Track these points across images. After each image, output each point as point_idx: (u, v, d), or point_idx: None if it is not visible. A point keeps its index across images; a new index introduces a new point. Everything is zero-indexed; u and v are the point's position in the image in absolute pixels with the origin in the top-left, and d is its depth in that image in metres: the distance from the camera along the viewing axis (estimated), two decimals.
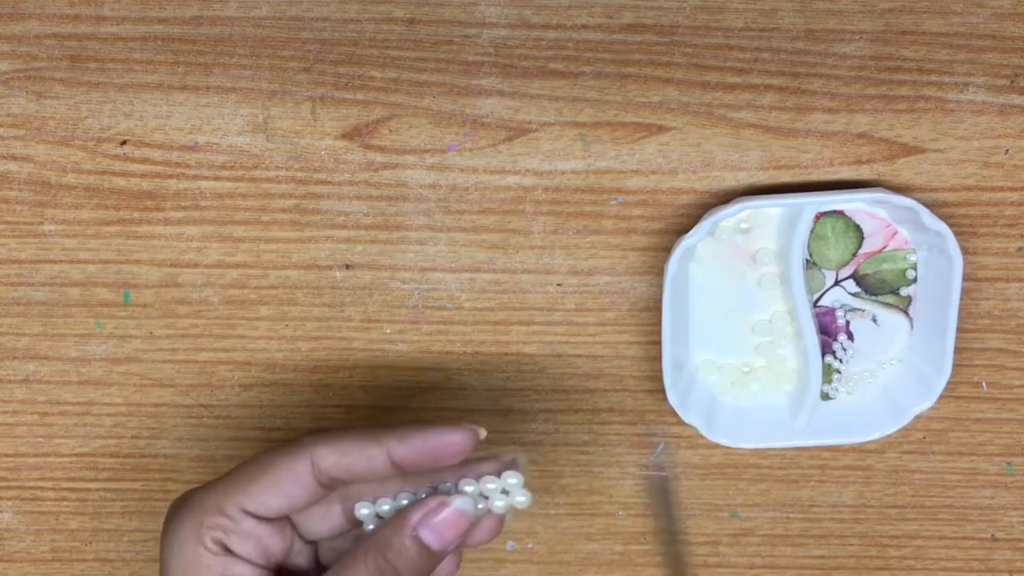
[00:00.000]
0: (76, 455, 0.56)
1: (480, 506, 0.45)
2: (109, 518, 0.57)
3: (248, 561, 0.44)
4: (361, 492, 0.47)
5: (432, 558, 0.44)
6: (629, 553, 0.58)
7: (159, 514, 0.56)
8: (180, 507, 0.45)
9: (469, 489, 0.45)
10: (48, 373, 0.55)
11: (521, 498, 0.45)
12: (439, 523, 0.44)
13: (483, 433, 0.45)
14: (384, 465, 0.44)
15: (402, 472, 0.45)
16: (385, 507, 0.46)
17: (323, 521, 0.47)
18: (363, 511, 0.46)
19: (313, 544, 0.48)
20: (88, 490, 0.57)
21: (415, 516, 0.44)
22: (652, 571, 0.58)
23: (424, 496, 0.45)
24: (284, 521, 0.45)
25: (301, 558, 0.47)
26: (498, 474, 0.45)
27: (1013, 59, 0.50)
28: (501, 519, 0.46)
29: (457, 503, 0.44)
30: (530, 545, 0.58)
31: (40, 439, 0.56)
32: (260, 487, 0.44)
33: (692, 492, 0.57)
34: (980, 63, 0.50)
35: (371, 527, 0.45)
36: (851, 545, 0.58)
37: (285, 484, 0.44)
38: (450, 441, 0.44)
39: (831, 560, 0.58)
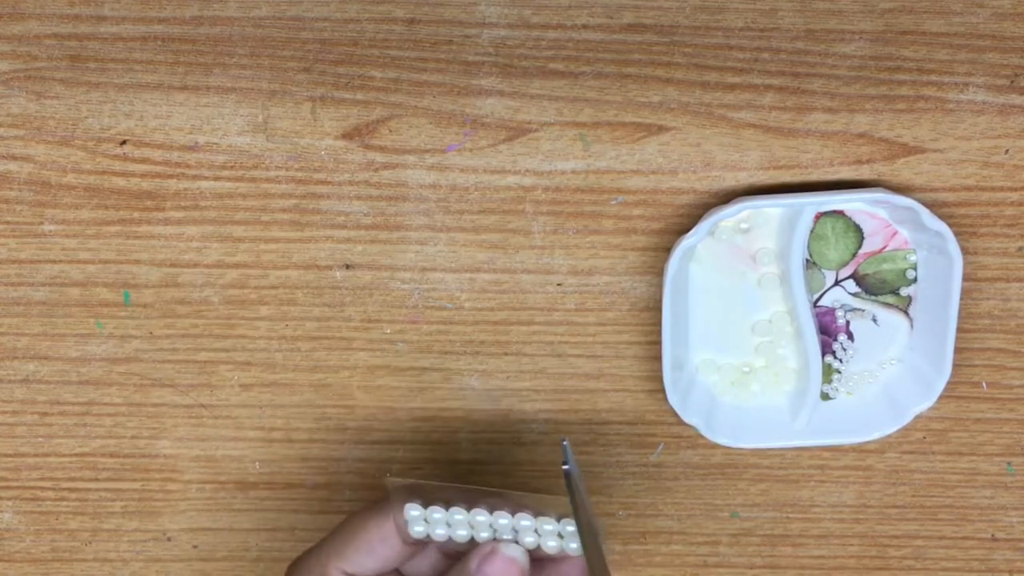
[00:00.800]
0: (76, 455, 0.56)
1: (528, 538, 0.46)
2: (109, 518, 0.57)
3: None
4: None
5: None
6: (629, 553, 0.58)
7: (159, 514, 0.57)
8: (293, 571, 0.47)
9: (526, 524, 0.46)
10: (48, 373, 0.55)
11: (574, 545, 0.46)
12: (495, 566, 0.45)
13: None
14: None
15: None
16: (436, 515, 0.46)
17: (423, 561, 0.49)
18: (413, 512, 0.46)
19: None
20: (88, 490, 0.57)
21: (473, 563, 0.45)
22: (652, 571, 0.58)
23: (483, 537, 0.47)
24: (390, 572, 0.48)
25: None
26: (558, 518, 0.46)
27: (1013, 59, 0.50)
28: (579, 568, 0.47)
29: (508, 551, 0.46)
30: None
31: (40, 439, 0.56)
32: (355, 550, 0.46)
33: (692, 492, 0.57)
34: (980, 63, 0.50)
35: (418, 528, 0.46)
36: (851, 545, 0.58)
37: (376, 547, 0.46)
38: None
39: (831, 560, 0.58)
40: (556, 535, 0.46)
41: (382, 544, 0.46)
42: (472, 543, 0.46)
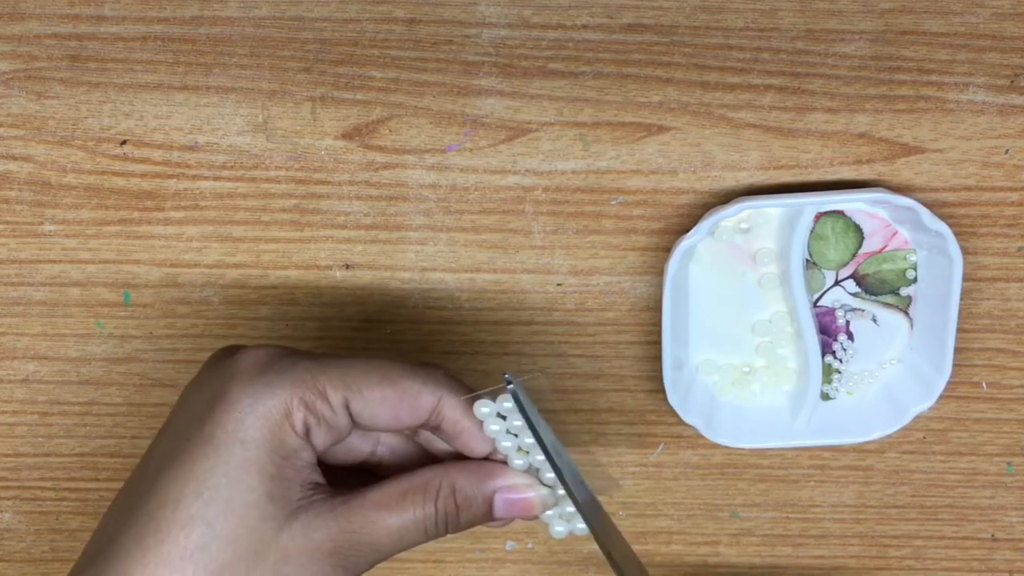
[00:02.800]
0: (76, 455, 0.56)
1: (549, 512, 0.45)
2: None
3: (314, 449, 0.41)
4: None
5: (488, 519, 0.44)
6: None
7: None
8: (276, 368, 0.41)
9: (549, 494, 0.44)
10: (48, 373, 0.55)
11: (581, 526, 0.45)
12: (518, 501, 0.43)
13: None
14: (483, 452, 0.44)
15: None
16: (507, 404, 0.43)
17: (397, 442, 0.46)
18: (484, 409, 0.43)
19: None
20: (88, 490, 0.57)
21: (500, 482, 0.43)
22: (652, 571, 0.58)
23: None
24: (375, 434, 0.44)
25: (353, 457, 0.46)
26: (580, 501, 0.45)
27: (1013, 59, 0.50)
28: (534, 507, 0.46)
29: (541, 493, 0.44)
30: (530, 545, 0.58)
31: (40, 439, 0.56)
32: (377, 398, 0.41)
33: (692, 492, 0.57)
34: (980, 63, 0.50)
35: (494, 427, 0.43)
36: (851, 545, 0.58)
37: (402, 409, 0.42)
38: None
39: (831, 560, 0.58)
40: (565, 520, 0.45)
41: (409, 411, 0.42)
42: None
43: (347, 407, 0.41)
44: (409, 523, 0.42)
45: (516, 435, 0.44)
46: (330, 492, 0.42)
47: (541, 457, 0.44)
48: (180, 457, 0.40)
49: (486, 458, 0.45)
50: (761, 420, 0.54)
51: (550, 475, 0.44)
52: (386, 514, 0.42)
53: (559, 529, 0.45)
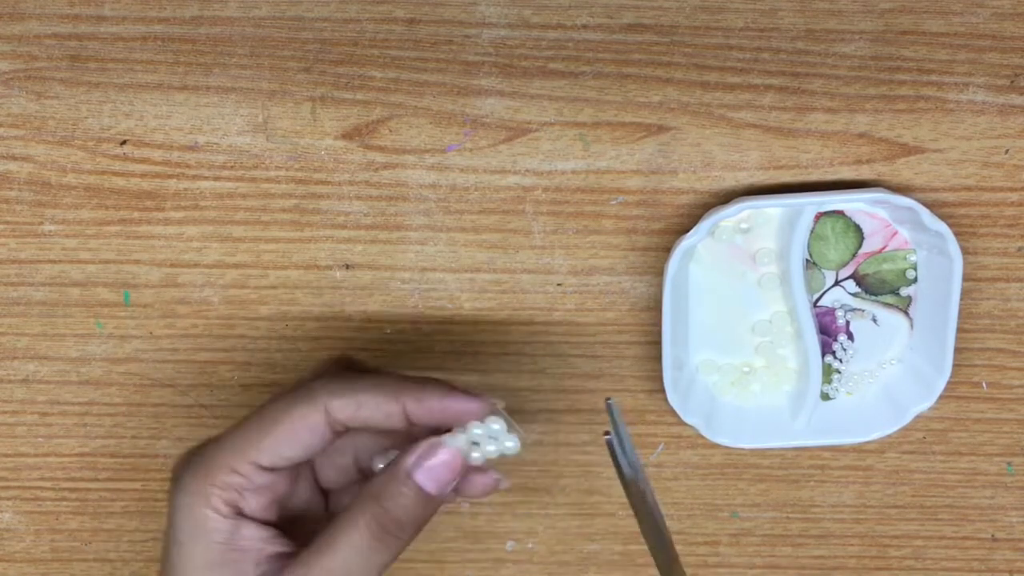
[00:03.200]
0: (76, 455, 0.56)
1: (475, 455, 0.44)
2: (109, 518, 0.57)
3: (258, 520, 0.43)
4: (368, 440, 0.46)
5: (430, 503, 0.43)
6: (629, 553, 0.58)
7: (159, 514, 0.56)
8: (187, 467, 0.43)
9: (461, 435, 0.44)
10: (48, 373, 0.55)
11: (509, 443, 0.45)
12: (434, 465, 0.43)
13: (501, 405, 0.45)
14: (399, 421, 0.44)
15: (412, 425, 0.44)
16: (477, 431, 0.44)
17: (336, 470, 0.47)
18: (380, 465, 0.45)
19: (325, 495, 0.47)
20: (88, 490, 0.57)
21: (409, 460, 0.43)
22: (652, 571, 0.58)
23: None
24: (296, 468, 0.45)
25: (315, 508, 0.46)
26: (481, 419, 0.45)
27: (1013, 59, 0.50)
28: (495, 479, 0.46)
29: (449, 443, 0.44)
30: (530, 545, 0.58)
31: (40, 439, 0.56)
32: (274, 439, 0.43)
33: (692, 492, 0.57)
34: (980, 63, 0.50)
35: (476, 455, 0.44)
36: (851, 545, 0.58)
37: (300, 434, 0.43)
38: (467, 409, 0.44)
39: (831, 560, 0.58)
40: (489, 438, 0.45)
41: (307, 432, 0.43)
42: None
43: (258, 466, 0.43)
44: (347, 557, 0.42)
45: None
46: (289, 554, 0.43)
47: (479, 431, 0.44)
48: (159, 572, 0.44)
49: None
50: (761, 420, 0.54)
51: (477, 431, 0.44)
52: (321, 559, 0.42)
53: (490, 448, 0.44)
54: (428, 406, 0.44)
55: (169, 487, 0.44)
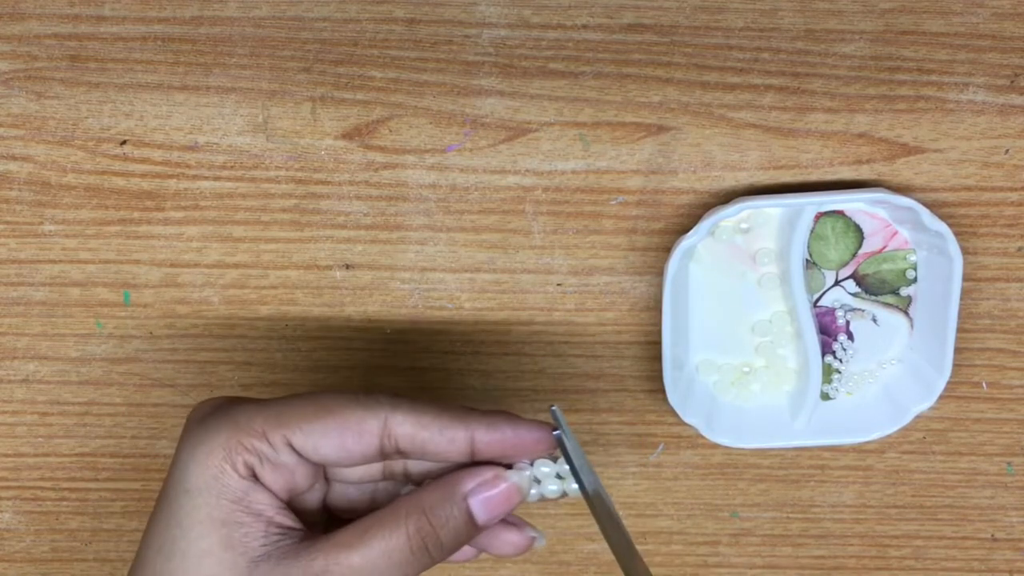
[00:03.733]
0: (76, 455, 0.56)
1: (534, 492, 0.43)
2: (109, 518, 0.57)
3: (271, 492, 0.41)
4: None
5: (473, 531, 0.42)
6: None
7: None
8: (216, 415, 0.41)
9: (526, 470, 0.43)
10: (48, 373, 0.55)
11: (574, 486, 0.43)
12: (492, 496, 0.41)
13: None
14: (462, 450, 0.41)
15: (468, 457, 0.42)
16: (544, 468, 0.42)
17: (348, 498, 0.45)
18: (524, 474, 0.42)
19: (326, 511, 0.45)
20: (88, 490, 0.57)
21: (467, 484, 0.41)
22: (652, 571, 0.58)
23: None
24: (317, 470, 0.43)
25: (313, 499, 0.44)
26: (553, 459, 0.43)
27: (1013, 59, 0.50)
28: (531, 537, 0.44)
29: (513, 478, 0.42)
30: None
31: (40, 439, 0.56)
32: (318, 430, 0.40)
33: (692, 492, 0.57)
34: (980, 63, 0.50)
35: (535, 492, 0.42)
36: (851, 545, 0.58)
37: (347, 437, 0.41)
38: (535, 439, 0.42)
39: (831, 560, 0.58)
40: (555, 476, 0.43)
41: (355, 438, 0.40)
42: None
43: (289, 444, 0.41)
44: (376, 558, 0.40)
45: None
46: (300, 536, 0.41)
47: (547, 469, 0.43)
48: (150, 518, 0.41)
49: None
50: (761, 420, 0.54)
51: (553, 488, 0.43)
52: (348, 553, 0.40)
53: (552, 488, 0.43)
54: (500, 434, 0.41)
55: (184, 431, 0.41)
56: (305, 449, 0.41)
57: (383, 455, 0.42)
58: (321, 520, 0.45)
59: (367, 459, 0.42)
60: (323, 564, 0.40)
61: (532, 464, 0.43)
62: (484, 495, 0.41)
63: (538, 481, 0.43)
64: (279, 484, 0.41)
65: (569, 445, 0.42)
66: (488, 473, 0.42)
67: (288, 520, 0.41)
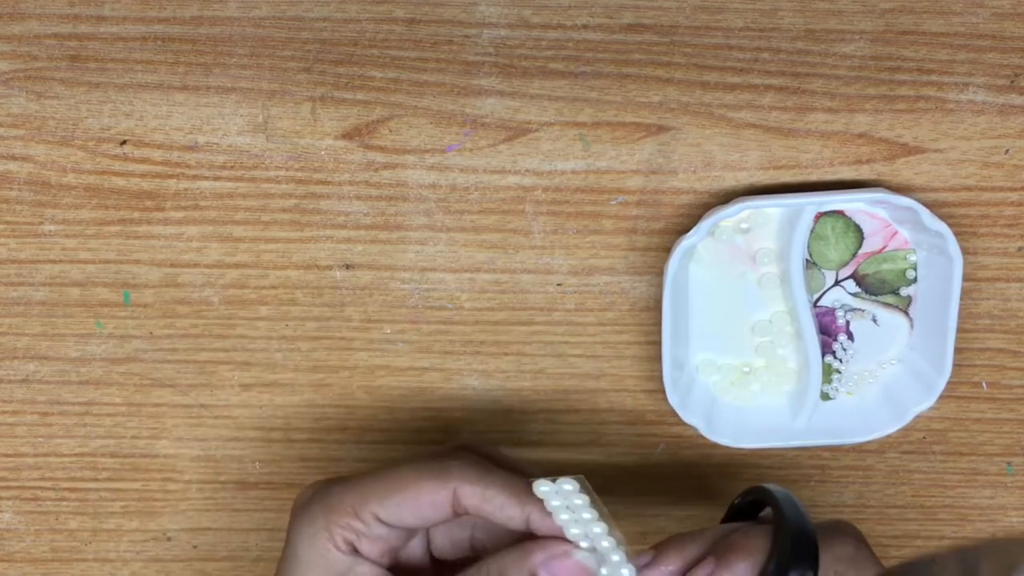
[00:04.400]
0: (76, 455, 0.56)
1: (604, 572, 0.44)
2: (109, 518, 0.57)
3: (371, 561, 0.45)
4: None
5: None
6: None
7: (159, 514, 0.57)
8: (315, 500, 0.46)
9: (591, 552, 0.44)
10: (48, 373, 0.55)
11: (625, 571, 0.44)
12: (561, 569, 0.44)
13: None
14: (518, 526, 0.45)
15: (525, 531, 0.45)
16: (567, 487, 0.44)
17: (452, 542, 0.48)
18: (543, 488, 0.44)
19: (435, 562, 0.49)
20: (88, 490, 0.57)
21: (539, 557, 0.44)
22: None
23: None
24: (412, 530, 0.47)
25: (416, 548, 0.48)
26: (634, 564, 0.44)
27: (1013, 59, 0.50)
28: None
29: (581, 556, 0.44)
30: None
31: (40, 439, 0.56)
32: (397, 501, 0.45)
33: (692, 492, 0.57)
34: (980, 63, 0.50)
35: (555, 503, 0.44)
36: None
37: (423, 507, 0.45)
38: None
39: None
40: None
41: (430, 507, 0.45)
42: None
43: (377, 518, 0.45)
44: None
45: (573, 511, 0.44)
46: None
47: (598, 529, 0.44)
48: None
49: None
50: (761, 420, 0.54)
51: (605, 544, 0.44)
52: None
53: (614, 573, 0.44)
54: (551, 525, 0.44)
55: (291, 514, 0.46)
56: (391, 520, 0.45)
57: (457, 515, 0.46)
58: (429, 563, 0.49)
59: (444, 520, 0.46)
60: None
61: (596, 546, 0.44)
62: (553, 568, 0.44)
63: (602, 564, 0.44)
64: (376, 552, 0.45)
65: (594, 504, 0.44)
66: (558, 548, 0.44)
67: None
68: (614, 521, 0.44)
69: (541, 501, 0.44)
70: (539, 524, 0.44)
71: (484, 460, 0.46)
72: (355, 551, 0.45)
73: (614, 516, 0.44)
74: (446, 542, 0.48)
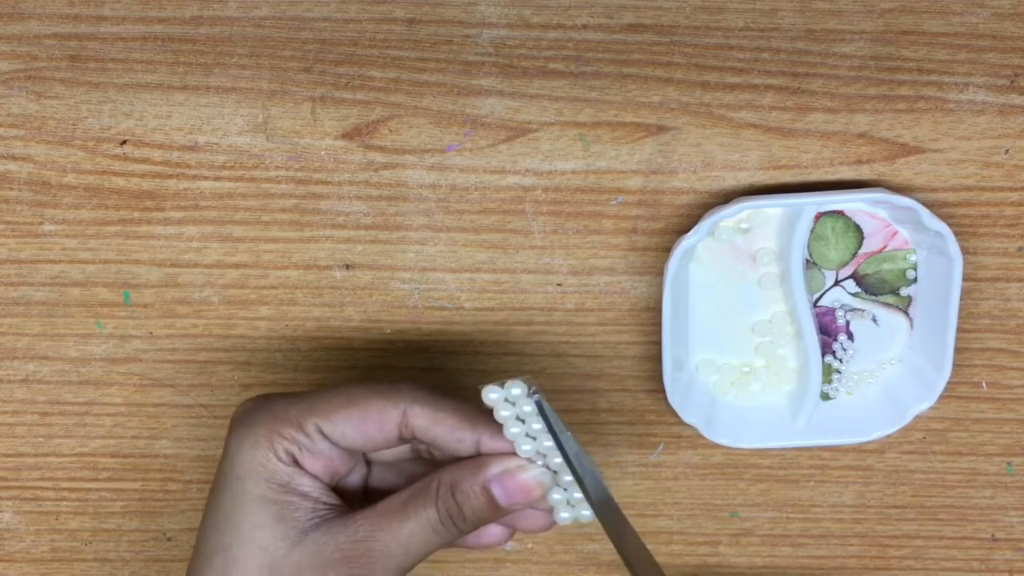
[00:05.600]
0: (76, 455, 0.56)
1: (556, 497, 0.45)
2: (109, 518, 0.57)
3: (314, 476, 0.45)
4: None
5: (496, 511, 0.45)
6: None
7: (159, 514, 0.57)
8: (256, 409, 0.45)
9: (548, 474, 0.45)
10: (48, 373, 0.55)
11: (586, 512, 0.45)
12: (513, 484, 0.44)
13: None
14: (468, 450, 0.45)
15: (474, 454, 0.45)
16: (515, 391, 0.44)
17: (391, 452, 0.48)
18: (492, 395, 0.44)
19: (368, 463, 0.49)
20: (88, 490, 0.57)
21: (493, 469, 0.44)
22: None
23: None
24: (353, 455, 0.46)
25: (355, 482, 0.48)
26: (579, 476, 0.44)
27: (1013, 59, 0.50)
28: (552, 520, 0.46)
29: (536, 473, 0.44)
30: (530, 545, 0.58)
31: (40, 439, 0.56)
32: (344, 419, 0.44)
33: (692, 492, 0.57)
34: (980, 63, 0.50)
35: (504, 413, 0.44)
36: (851, 545, 0.58)
37: (369, 425, 0.44)
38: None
39: (831, 560, 0.58)
40: (569, 505, 0.45)
41: (377, 426, 0.44)
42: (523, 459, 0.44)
43: (321, 432, 0.44)
44: (414, 527, 0.44)
45: (523, 420, 0.44)
46: (345, 510, 0.45)
47: (549, 443, 0.44)
48: (205, 507, 0.46)
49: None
50: (761, 420, 0.54)
51: (558, 460, 0.44)
52: (389, 520, 0.44)
53: (564, 515, 0.45)
54: (503, 445, 0.45)
55: (229, 429, 0.45)
56: (334, 436, 0.45)
57: (402, 441, 0.45)
58: (362, 501, 0.48)
59: (389, 444, 0.46)
60: (367, 530, 0.44)
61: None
62: (505, 480, 0.44)
63: (558, 486, 0.45)
64: (319, 469, 0.45)
65: (548, 410, 0.44)
66: (514, 462, 0.45)
67: (332, 499, 0.45)
68: (569, 432, 0.45)
69: (492, 425, 0.44)
70: (490, 446, 0.44)
71: (435, 388, 0.46)
72: (296, 464, 0.44)
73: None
74: (381, 482, 0.48)
